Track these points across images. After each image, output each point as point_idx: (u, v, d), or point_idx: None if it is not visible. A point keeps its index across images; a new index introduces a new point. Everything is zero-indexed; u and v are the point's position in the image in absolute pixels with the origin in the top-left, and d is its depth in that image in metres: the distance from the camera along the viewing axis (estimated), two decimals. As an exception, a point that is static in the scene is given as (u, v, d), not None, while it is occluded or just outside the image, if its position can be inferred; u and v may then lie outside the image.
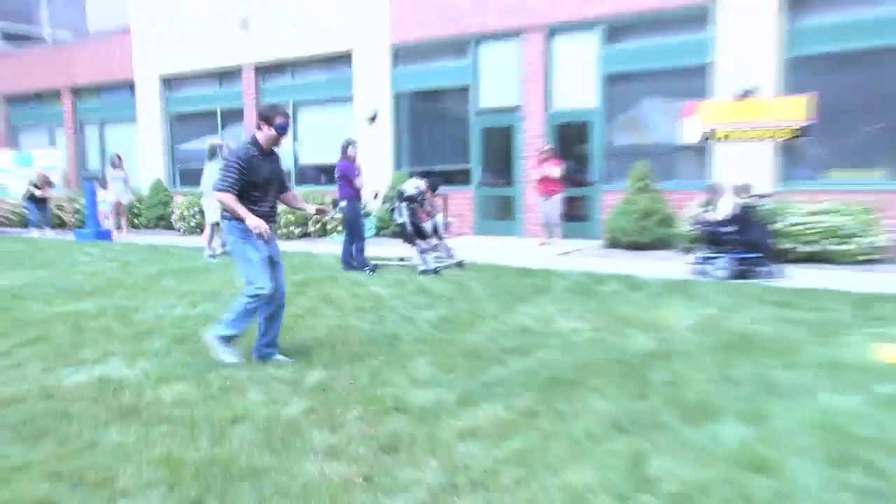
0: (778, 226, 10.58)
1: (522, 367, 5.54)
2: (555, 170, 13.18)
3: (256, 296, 5.72)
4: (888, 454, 3.88)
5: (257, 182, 5.68)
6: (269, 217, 5.82)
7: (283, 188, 6.03)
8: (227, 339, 5.88)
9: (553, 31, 14.20)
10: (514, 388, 5.01)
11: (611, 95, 13.84)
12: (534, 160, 13.85)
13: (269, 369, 5.70)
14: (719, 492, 3.47)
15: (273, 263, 5.87)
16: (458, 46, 15.38)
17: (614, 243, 12.59)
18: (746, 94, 12.13)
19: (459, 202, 15.18)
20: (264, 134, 5.70)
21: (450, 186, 14.60)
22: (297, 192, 6.43)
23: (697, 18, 12.74)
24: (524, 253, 12.32)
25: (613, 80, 13.76)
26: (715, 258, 9.79)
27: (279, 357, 5.96)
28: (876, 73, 11.80)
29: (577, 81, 14.07)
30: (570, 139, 14.22)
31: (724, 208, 9.94)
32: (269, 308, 5.86)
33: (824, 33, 11.85)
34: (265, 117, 5.70)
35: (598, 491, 3.51)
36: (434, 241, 11.00)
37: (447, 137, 16.10)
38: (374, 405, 4.75)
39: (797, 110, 11.78)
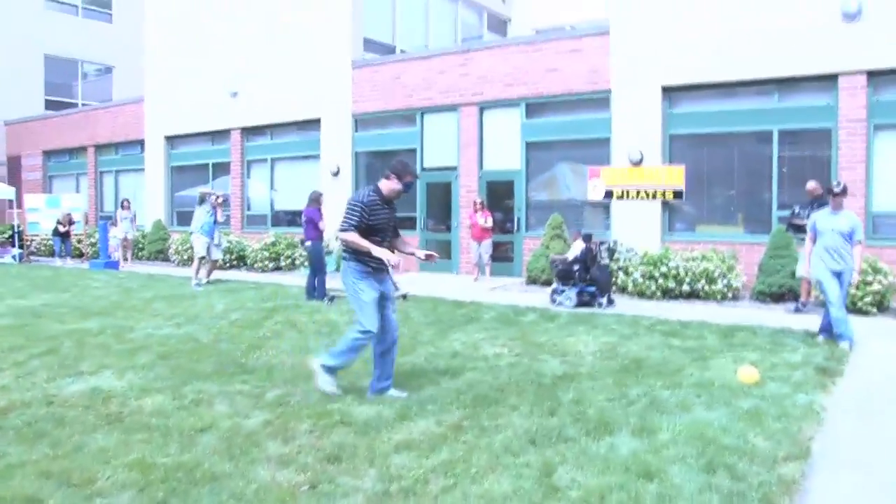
0: (662, 269, 10.61)
1: (453, 387, 5.32)
2: (486, 219, 13.11)
3: (365, 332, 4.95)
4: (747, 460, 3.81)
5: (376, 226, 5.00)
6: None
7: (396, 233, 5.32)
8: (332, 370, 5.09)
9: (484, 107, 14.21)
10: (445, 405, 4.79)
11: (531, 159, 13.84)
12: (469, 210, 13.76)
13: (237, 385, 5.38)
14: (615, 497, 3.32)
15: (384, 301, 5.09)
16: (408, 117, 15.27)
17: (533, 281, 12.46)
18: (637, 162, 12.29)
19: (407, 244, 14.96)
20: (389, 185, 5.04)
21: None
22: (405, 237, 5.58)
23: (599, 102, 12.86)
24: (459, 287, 12.12)
25: (533, 147, 13.79)
26: (564, 290, 9.79)
27: (393, 392, 5.08)
28: (732, 150, 12.03)
29: (504, 147, 14.04)
30: (498, 194, 14.15)
31: (575, 251, 10.00)
32: (383, 345, 5.09)
33: (693, 119, 12.07)
34: (397, 172, 5.01)
35: (514, 498, 3.32)
36: (384, 276, 10.75)
37: (398, 190, 15.92)
38: (324, 419, 4.50)
39: (675, 177, 12.02)
